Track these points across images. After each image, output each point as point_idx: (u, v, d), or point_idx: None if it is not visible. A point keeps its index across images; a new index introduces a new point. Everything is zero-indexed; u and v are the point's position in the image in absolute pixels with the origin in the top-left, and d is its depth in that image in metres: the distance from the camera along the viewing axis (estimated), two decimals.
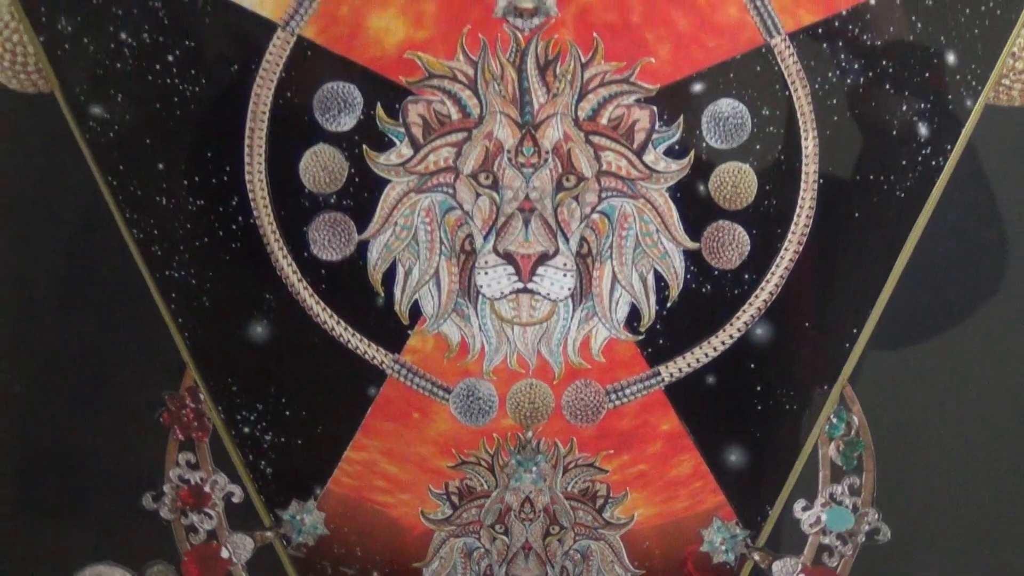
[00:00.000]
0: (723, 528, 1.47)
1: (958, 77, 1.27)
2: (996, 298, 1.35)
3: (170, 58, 1.27)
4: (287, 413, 1.40)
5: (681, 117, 1.29)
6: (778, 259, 1.33)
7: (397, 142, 1.30)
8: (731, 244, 1.33)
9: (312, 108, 1.28)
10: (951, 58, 1.27)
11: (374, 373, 1.38)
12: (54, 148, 1.30)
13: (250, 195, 1.31)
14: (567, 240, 1.32)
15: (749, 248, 1.33)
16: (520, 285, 1.31)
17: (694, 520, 1.47)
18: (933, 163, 1.30)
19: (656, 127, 1.29)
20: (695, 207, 1.31)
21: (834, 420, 1.40)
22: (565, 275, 1.33)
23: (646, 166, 1.30)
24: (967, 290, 1.34)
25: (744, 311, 1.35)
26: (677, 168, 1.30)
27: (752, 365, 1.37)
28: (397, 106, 1.29)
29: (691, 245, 1.32)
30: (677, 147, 1.30)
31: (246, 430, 1.41)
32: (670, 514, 1.47)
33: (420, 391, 1.39)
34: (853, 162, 1.30)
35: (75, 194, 1.31)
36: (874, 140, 1.29)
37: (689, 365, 1.38)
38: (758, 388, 1.38)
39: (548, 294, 1.34)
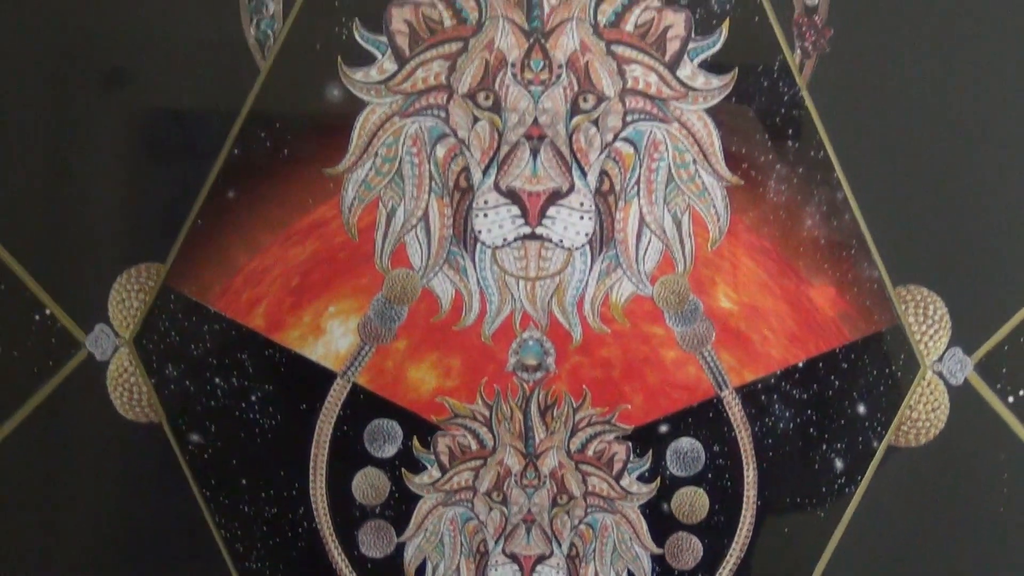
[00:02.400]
0: None
1: (867, 423, 1.02)
2: None
3: (253, 398, 1.02)
4: None
5: (650, 451, 1.03)
6: (724, 563, 1.04)
7: (428, 466, 1.04)
8: (688, 550, 1.04)
9: (363, 439, 1.03)
10: (861, 408, 1.02)
11: None
12: (160, 466, 1.04)
13: (313, 505, 1.03)
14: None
15: (702, 554, 1.04)
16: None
17: None
18: (847, 490, 1.03)
19: (630, 459, 1.02)
20: (660, 521, 1.03)
21: None
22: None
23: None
24: None
25: None
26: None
27: None
28: (429, 438, 1.03)
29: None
30: (647, 474, 1.03)
31: None
32: None
33: None
34: (784, 489, 1.04)
35: (176, 502, 1.04)
36: (800, 471, 1.03)
37: None
38: None
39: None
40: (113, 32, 0.99)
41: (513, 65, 0.96)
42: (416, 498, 1.04)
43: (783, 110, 0.98)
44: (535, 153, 0.97)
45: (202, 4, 0.99)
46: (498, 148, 0.97)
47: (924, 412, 1.01)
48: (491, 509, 1.04)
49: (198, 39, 0.99)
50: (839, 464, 1.03)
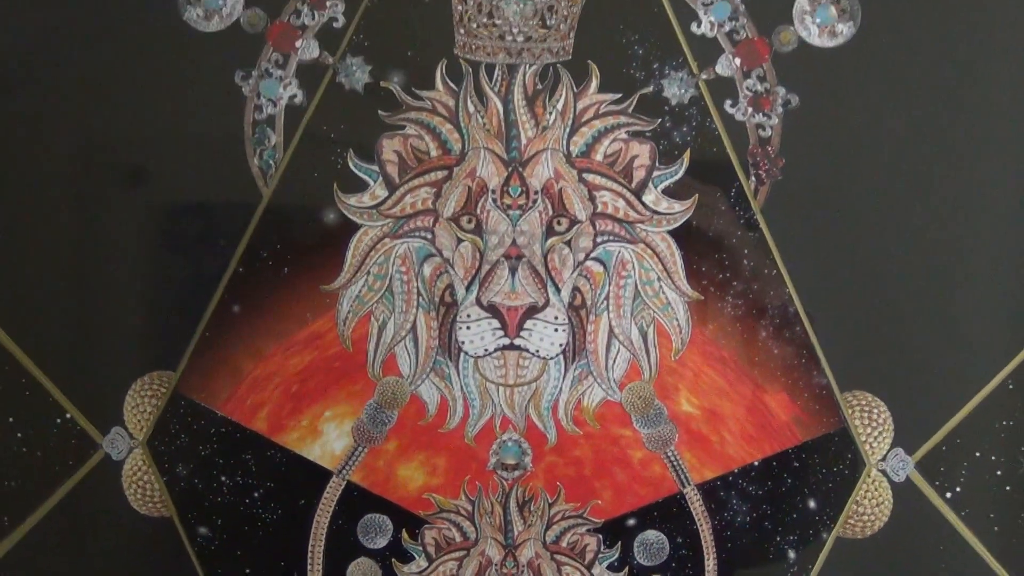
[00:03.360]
0: None
1: (817, 517, 0.95)
2: None
3: (256, 495, 0.95)
4: None
5: (619, 542, 0.95)
6: None
7: (416, 556, 0.95)
8: None
9: (357, 531, 0.95)
10: (812, 503, 0.95)
11: None
12: (171, 557, 0.96)
13: None
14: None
15: None
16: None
17: None
18: None
19: (600, 549, 0.95)
20: None
21: None
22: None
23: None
24: None
25: None
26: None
27: None
28: (417, 531, 0.95)
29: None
30: (616, 564, 0.95)
31: None
32: None
33: None
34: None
35: None
36: (757, 561, 0.96)
37: None
38: None
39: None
40: (112, 164, 0.92)
41: (493, 191, 0.90)
42: None
43: (739, 232, 0.92)
44: (513, 271, 0.90)
45: (209, 142, 0.92)
46: (480, 267, 0.91)
47: (869, 507, 0.95)
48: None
49: (205, 170, 0.93)
50: (792, 554, 0.95)
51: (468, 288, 0.90)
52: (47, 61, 0.91)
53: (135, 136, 0.91)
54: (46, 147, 0.92)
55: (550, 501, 0.93)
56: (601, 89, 0.90)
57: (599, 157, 0.89)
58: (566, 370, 0.92)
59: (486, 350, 0.91)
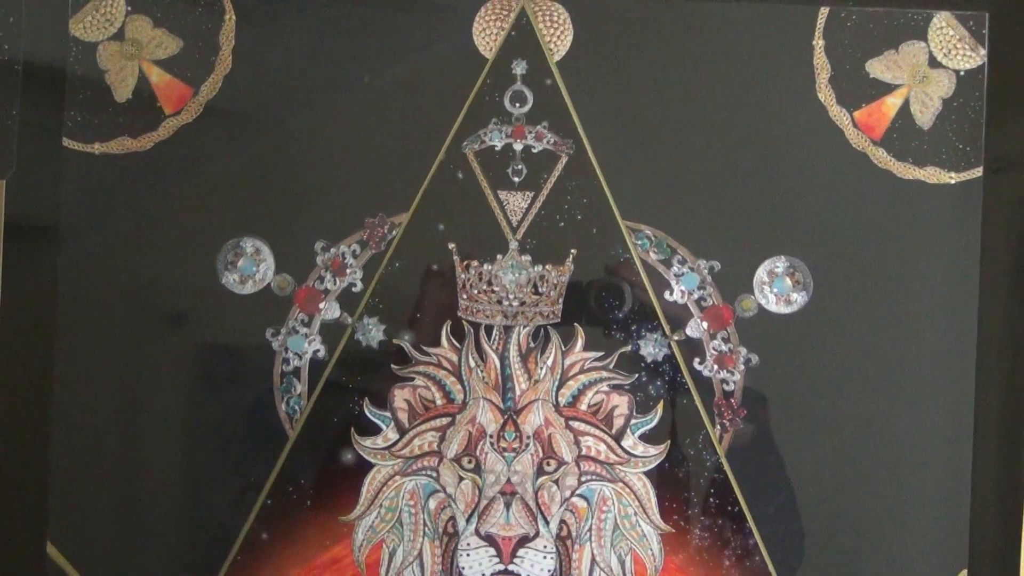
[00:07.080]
0: None
1: None
2: None
3: None
4: None
5: None
6: None
7: None
8: None
9: None
10: None
11: None
12: None
13: None
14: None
15: None
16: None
17: None
18: None
19: None
20: None
21: None
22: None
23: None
24: None
25: None
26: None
27: None
28: None
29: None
30: None
31: None
32: None
33: None
34: None
35: None
36: None
37: None
38: None
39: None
40: (156, 410, 1.03)
41: (491, 436, 1.00)
42: None
43: (706, 473, 1.03)
44: (508, 506, 1.01)
45: (243, 390, 1.03)
46: (479, 502, 1.01)
47: None
48: None
49: (239, 415, 1.03)
50: None
51: (468, 520, 1.01)
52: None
53: (179, 385, 1.02)
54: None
55: None
56: (586, 348, 1.00)
57: (584, 407, 1.00)
58: None
59: (483, 575, 1.01)
